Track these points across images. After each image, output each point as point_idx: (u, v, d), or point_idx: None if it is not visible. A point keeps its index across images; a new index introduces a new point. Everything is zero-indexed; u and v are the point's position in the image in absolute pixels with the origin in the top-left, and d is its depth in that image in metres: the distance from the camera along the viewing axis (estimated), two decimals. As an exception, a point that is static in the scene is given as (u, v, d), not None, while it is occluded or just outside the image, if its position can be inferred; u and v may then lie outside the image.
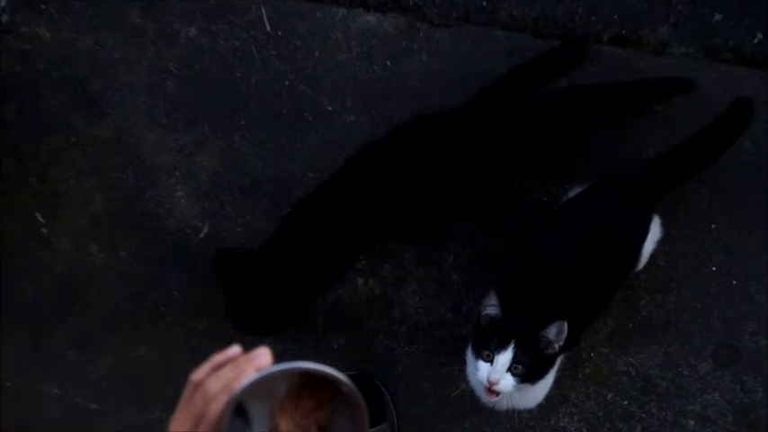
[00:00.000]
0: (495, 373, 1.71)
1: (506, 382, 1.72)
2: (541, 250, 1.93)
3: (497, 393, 1.72)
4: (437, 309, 2.30)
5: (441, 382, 2.30)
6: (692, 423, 2.28)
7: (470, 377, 1.85)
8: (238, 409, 0.98)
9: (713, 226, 2.28)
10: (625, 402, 2.29)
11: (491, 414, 2.28)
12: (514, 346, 1.71)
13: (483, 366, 1.73)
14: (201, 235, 2.32)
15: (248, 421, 1.01)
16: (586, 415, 2.28)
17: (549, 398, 2.12)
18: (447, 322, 2.31)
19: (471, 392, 1.92)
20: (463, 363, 2.00)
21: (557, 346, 1.74)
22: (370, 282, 2.31)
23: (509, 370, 1.72)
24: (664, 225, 2.19)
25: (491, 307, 1.76)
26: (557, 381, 2.05)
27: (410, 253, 2.32)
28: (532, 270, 1.91)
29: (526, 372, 1.73)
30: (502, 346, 1.71)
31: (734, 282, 2.27)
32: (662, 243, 2.24)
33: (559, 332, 1.73)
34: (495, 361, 1.71)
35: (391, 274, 2.31)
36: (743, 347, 2.27)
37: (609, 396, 2.28)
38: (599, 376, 2.28)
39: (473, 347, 1.77)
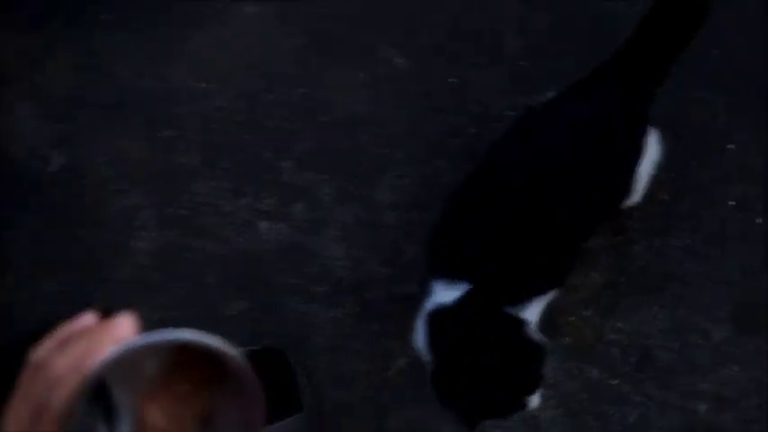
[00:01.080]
0: None
1: None
2: (504, 169, 1.50)
3: None
4: (367, 261, 1.80)
5: (374, 358, 1.81)
6: (703, 407, 1.78)
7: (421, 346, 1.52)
8: (97, 395, 0.82)
9: (730, 146, 1.81)
10: (615, 381, 1.80)
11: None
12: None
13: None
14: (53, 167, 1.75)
15: (111, 411, 0.85)
16: (565, 398, 1.79)
17: None
18: (380, 279, 1.81)
19: (414, 370, 1.58)
20: (407, 331, 1.60)
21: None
22: (277, 226, 1.75)
23: None
24: (665, 144, 1.70)
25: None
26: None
27: (329, 187, 1.76)
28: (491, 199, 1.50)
29: None
30: None
31: (758, 220, 1.80)
32: (664, 170, 1.74)
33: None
34: None
35: (305, 215, 1.75)
36: None
37: (594, 373, 1.79)
38: (581, 347, 1.80)
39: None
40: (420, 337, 1.51)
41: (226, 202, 1.78)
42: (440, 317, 1.48)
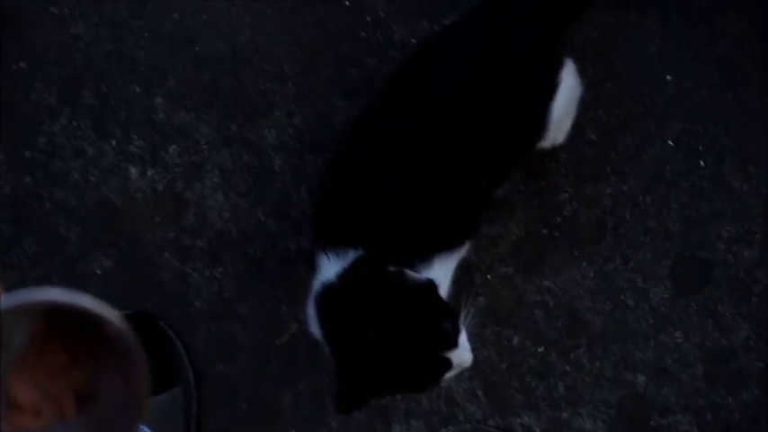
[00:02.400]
0: None
1: None
2: (396, 106, 1.30)
3: None
4: (251, 211, 1.56)
5: (260, 323, 1.57)
6: (641, 378, 1.55)
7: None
8: None
9: (668, 77, 1.58)
10: (540, 349, 1.56)
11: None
12: None
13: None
14: None
15: None
16: (482, 368, 1.54)
17: None
18: (267, 232, 1.57)
19: (308, 337, 1.32)
20: (298, 292, 1.43)
21: None
22: (148, 172, 1.52)
23: None
24: (593, 76, 1.48)
25: None
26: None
27: (208, 127, 1.53)
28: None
29: None
30: None
31: (701, 162, 1.56)
32: (592, 106, 1.52)
33: None
34: None
35: (181, 159, 1.52)
36: (716, 262, 1.58)
37: (515, 340, 1.54)
38: (500, 310, 1.56)
39: None
40: (313, 324, 1.28)
41: (89, 144, 1.55)
42: (329, 295, 1.24)
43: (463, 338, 1.21)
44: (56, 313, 0.77)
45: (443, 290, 1.31)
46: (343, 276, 1.23)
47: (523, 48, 1.32)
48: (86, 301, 0.75)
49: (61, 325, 0.80)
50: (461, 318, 1.23)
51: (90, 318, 0.75)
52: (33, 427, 0.80)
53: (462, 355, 1.21)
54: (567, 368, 1.56)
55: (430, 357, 1.20)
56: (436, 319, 1.20)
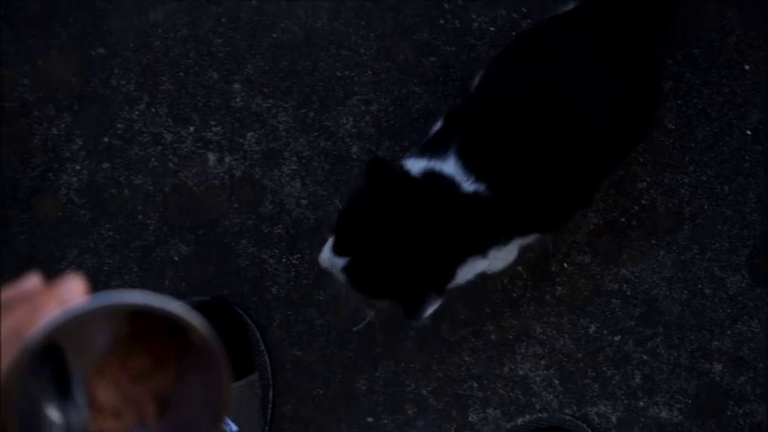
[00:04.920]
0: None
1: None
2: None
3: None
4: (330, 199, 1.56)
5: (338, 310, 1.56)
6: (718, 367, 1.54)
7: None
8: (46, 366, 0.70)
9: (747, 67, 1.57)
10: (617, 338, 1.55)
11: (414, 355, 1.50)
12: None
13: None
14: (-32, 91, 1.53)
15: (64, 384, 0.71)
16: (558, 357, 1.54)
17: (503, 331, 1.53)
18: (345, 219, 1.50)
19: (386, 323, 1.40)
20: None
21: None
22: (226, 159, 1.52)
23: None
24: (674, 67, 1.54)
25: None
26: (513, 302, 1.48)
27: (285, 114, 1.52)
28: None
29: None
30: None
31: None
32: (671, 96, 1.51)
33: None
34: None
35: (259, 146, 1.51)
36: None
37: (592, 329, 1.53)
38: (577, 299, 1.56)
39: None
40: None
41: (167, 130, 1.55)
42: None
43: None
44: (141, 317, 0.76)
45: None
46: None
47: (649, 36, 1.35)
48: (173, 306, 0.73)
49: (146, 329, 0.78)
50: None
51: (176, 323, 0.74)
52: (113, 429, 0.79)
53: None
54: (644, 357, 1.56)
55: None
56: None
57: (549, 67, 1.32)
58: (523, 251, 1.54)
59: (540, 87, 1.29)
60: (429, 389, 1.54)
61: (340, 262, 1.23)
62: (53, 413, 0.73)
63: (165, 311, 0.72)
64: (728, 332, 1.56)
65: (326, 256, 1.25)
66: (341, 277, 1.25)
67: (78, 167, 1.54)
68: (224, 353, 0.74)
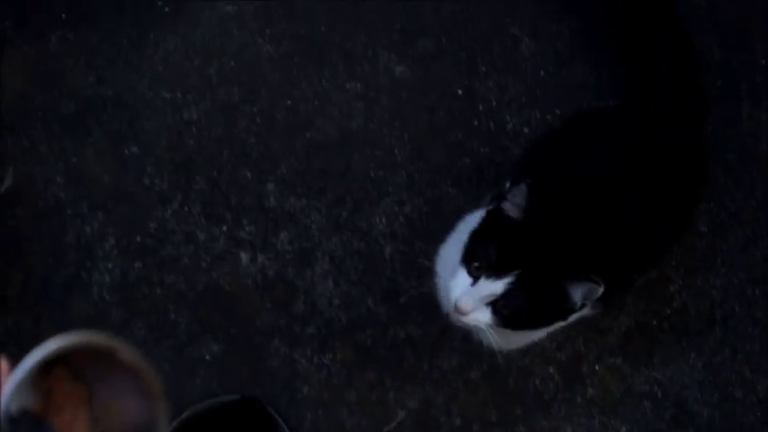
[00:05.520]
0: (467, 300, 1.18)
1: (479, 316, 1.20)
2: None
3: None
4: (362, 299, 1.56)
5: (368, 410, 1.56)
6: (747, 471, 1.53)
7: (439, 279, 1.32)
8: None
9: (781, 171, 1.52)
10: (647, 439, 1.52)
11: (445, 460, 1.51)
12: (514, 282, 1.16)
13: (461, 280, 1.20)
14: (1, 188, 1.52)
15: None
16: (589, 459, 1.52)
17: None
18: (377, 320, 1.57)
19: (416, 424, 1.40)
20: (402, 379, 1.52)
21: (576, 306, 1.20)
22: (259, 258, 1.52)
23: (491, 303, 1.19)
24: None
25: (514, 204, 1.20)
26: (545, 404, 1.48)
27: (318, 214, 1.52)
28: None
29: (512, 316, 1.19)
30: (497, 272, 1.17)
31: None
32: (705, 198, 1.51)
33: (589, 295, 1.17)
34: (478, 283, 1.18)
35: (291, 246, 1.51)
36: None
37: (623, 430, 1.54)
38: (608, 400, 1.56)
39: (467, 246, 1.23)
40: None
41: (199, 229, 1.55)
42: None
43: None
44: (70, 355, 0.83)
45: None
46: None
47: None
48: (92, 336, 0.82)
49: (77, 361, 0.86)
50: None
51: (101, 349, 0.83)
52: None
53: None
54: (675, 459, 1.56)
55: None
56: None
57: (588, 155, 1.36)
58: (554, 353, 1.55)
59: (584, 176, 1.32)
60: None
61: (496, 286, 1.17)
62: None
63: (85, 343, 0.81)
64: (759, 435, 1.56)
65: (468, 291, 1.19)
66: (485, 318, 1.20)
67: (111, 266, 1.54)
68: (150, 366, 0.84)
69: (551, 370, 1.55)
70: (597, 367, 1.56)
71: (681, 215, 1.44)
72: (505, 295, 1.17)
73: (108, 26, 1.56)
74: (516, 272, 1.16)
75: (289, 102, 1.56)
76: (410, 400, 1.54)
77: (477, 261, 1.19)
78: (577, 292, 1.17)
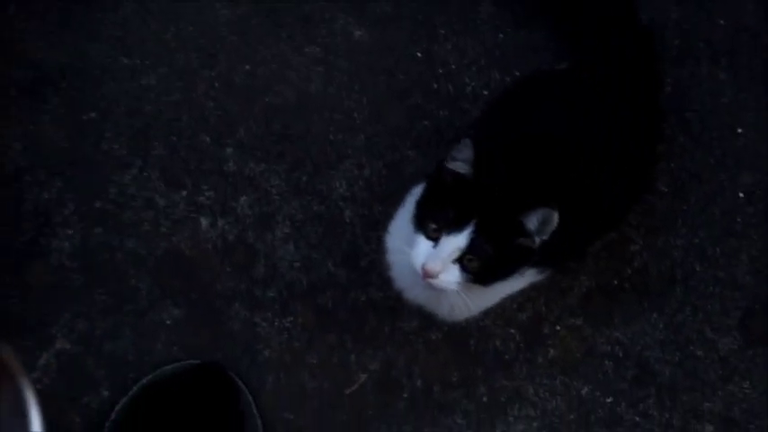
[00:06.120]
0: (435, 260, 1.19)
1: (449, 276, 1.21)
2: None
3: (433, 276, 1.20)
4: (322, 263, 1.56)
5: (330, 372, 1.56)
6: (709, 428, 1.57)
7: (392, 255, 1.35)
8: None
9: (740, 130, 1.56)
10: (609, 399, 1.56)
11: (406, 418, 1.50)
12: (475, 230, 1.18)
13: (422, 246, 1.20)
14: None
15: None
16: (550, 419, 1.55)
17: (495, 393, 1.52)
18: (338, 282, 1.56)
19: (378, 386, 1.41)
20: (364, 342, 1.53)
21: (536, 239, 1.21)
22: (219, 222, 1.52)
23: (458, 260, 1.19)
24: (666, 130, 1.55)
25: (461, 161, 1.20)
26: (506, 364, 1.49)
27: (278, 178, 1.52)
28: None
29: (481, 267, 1.19)
30: (457, 226, 1.18)
31: None
32: (664, 158, 1.53)
33: (545, 222, 1.19)
34: (440, 243, 1.19)
35: (251, 210, 1.51)
36: None
37: (584, 390, 1.54)
38: (569, 361, 1.56)
39: (417, 215, 1.24)
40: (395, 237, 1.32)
41: (159, 194, 1.55)
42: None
43: None
44: None
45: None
46: None
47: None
48: None
49: None
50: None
51: None
52: None
53: None
54: (636, 419, 1.56)
55: None
56: None
57: (544, 115, 1.36)
58: (515, 314, 1.55)
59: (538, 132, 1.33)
60: (420, 450, 1.55)
61: (459, 240, 1.18)
62: None
63: None
64: (720, 393, 1.56)
65: (433, 253, 1.18)
66: (454, 277, 1.20)
67: (70, 232, 1.54)
68: (17, 361, 0.84)
69: (512, 331, 1.55)
70: (558, 328, 1.56)
71: (639, 176, 1.45)
72: (470, 246, 1.18)
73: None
74: (474, 221, 1.17)
75: (247, 66, 1.56)
76: (371, 363, 1.55)
77: (435, 222, 1.20)
78: (533, 220, 1.18)
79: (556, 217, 1.17)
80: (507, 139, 1.33)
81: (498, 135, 1.38)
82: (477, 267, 1.19)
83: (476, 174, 1.19)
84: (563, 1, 1.49)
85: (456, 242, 1.17)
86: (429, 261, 1.18)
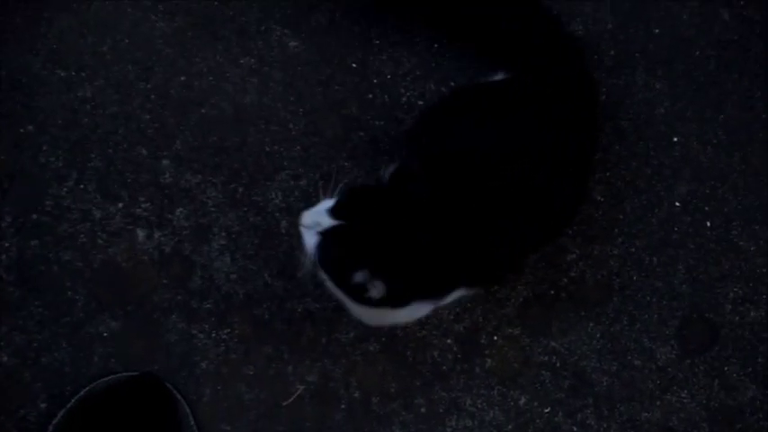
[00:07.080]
0: (308, 214, 1.26)
1: (308, 237, 1.26)
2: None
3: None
4: (259, 274, 1.55)
5: (266, 384, 1.55)
6: (647, 438, 1.54)
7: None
8: None
9: (675, 139, 1.55)
10: (547, 410, 1.55)
11: (344, 429, 1.51)
12: (334, 228, 1.24)
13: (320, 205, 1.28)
14: None
15: None
16: (488, 429, 1.56)
17: (433, 404, 1.53)
18: (274, 294, 1.56)
19: (315, 398, 1.44)
20: (301, 353, 1.54)
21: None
22: (155, 234, 1.52)
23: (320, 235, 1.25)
24: (602, 139, 1.54)
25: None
26: (443, 375, 1.52)
27: (214, 189, 1.53)
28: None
29: (321, 254, 1.25)
30: (336, 213, 1.25)
31: (708, 223, 1.55)
32: (600, 168, 1.53)
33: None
34: (321, 205, 1.28)
35: (188, 222, 1.52)
36: (722, 323, 1.57)
37: (522, 401, 1.54)
38: (507, 371, 1.55)
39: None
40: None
41: (95, 207, 1.55)
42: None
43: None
44: None
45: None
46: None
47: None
48: None
49: None
50: None
51: None
52: None
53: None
54: (574, 429, 1.56)
55: None
56: None
57: (475, 128, 1.36)
58: (452, 324, 1.55)
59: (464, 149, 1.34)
60: (356, 460, 1.54)
61: (326, 222, 1.23)
62: None
63: None
64: (658, 403, 1.56)
65: (312, 215, 1.26)
66: (311, 242, 1.25)
67: (7, 244, 1.53)
68: None
69: (449, 341, 1.55)
70: (495, 338, 1.56)
71: (575, 189, 1.44)
72: (325, 235, 1.23)
73: (0, 4, 1.56)
74: (342, 222, 1.22)
75: (183, 78, 1.56)
76: (309, 374, 1.54)
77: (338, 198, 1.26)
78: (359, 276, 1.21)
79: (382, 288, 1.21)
80: (430, 158, 1.34)
81: (428, 147, 1.39)
82: (321, 253, 1.24)
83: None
84: (477, 21, 1.49)
85: (324, 218, 1.24)
86: (305, 213, 1.26)
